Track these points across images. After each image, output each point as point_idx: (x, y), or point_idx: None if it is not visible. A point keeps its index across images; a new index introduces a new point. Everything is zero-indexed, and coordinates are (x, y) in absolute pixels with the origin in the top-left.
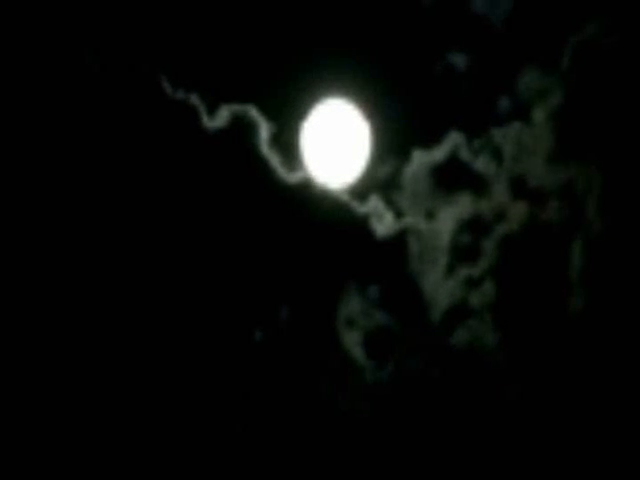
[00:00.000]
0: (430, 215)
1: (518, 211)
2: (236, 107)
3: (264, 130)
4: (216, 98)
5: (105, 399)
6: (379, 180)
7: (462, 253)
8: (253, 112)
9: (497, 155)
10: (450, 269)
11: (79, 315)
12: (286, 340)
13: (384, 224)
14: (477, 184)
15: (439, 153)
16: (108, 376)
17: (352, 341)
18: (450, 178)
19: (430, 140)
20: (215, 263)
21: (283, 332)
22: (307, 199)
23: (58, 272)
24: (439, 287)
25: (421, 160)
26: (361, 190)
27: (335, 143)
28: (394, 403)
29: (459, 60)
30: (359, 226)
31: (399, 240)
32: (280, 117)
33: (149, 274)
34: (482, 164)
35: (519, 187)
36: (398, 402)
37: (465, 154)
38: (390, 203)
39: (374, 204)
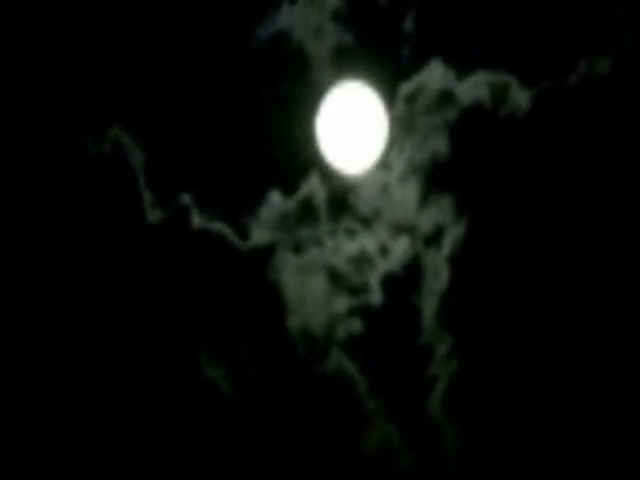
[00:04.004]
0: (300, 248)
1: (396, 248)
2: (118, 132)
3: (139, 161)
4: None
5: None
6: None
7: (339, 284)
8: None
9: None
10: (327, 299)
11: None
12: (149, 374)
13: (249, 248)
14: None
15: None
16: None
17: (216, 373)
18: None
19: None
20: (75, 293)
21: (146, 366)
22: (184, 233)
23: None
24: (311, 317)
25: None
26: (245, 225)
27: (352, 128)
28: (260, 433)
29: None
30: (234, 260)
31: (271, 269)
32: (294, 101)
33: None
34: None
35: (394, 226)
36: (264, 432)
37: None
38: (282, 237)
39: (258, 238)
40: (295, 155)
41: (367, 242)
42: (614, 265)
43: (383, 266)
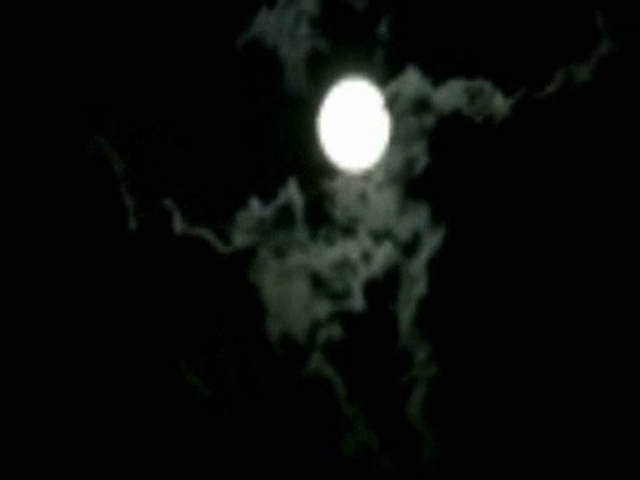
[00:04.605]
0: (282, 253)
1: (378, 255)
2: (100, 138)
3: (121, 167)
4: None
5: None
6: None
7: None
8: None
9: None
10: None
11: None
12: (130, 378)
13: (231, 252)
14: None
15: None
16: None
17: (197, 377)
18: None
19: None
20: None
21: (127, 371)
22: (166, 238)
23: None
24: (291, 322)
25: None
26: (227, 230)
27: (354, 126)
28: (240, 437)
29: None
30: (216, 265)
31: (253, 274)
32: (297, 99)
33: None
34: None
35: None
36: (244, 436)
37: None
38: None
39: (240, 242)
40: (275, 160)
41: (349, 248)
42: (592, 265)
43: (365, 272)
